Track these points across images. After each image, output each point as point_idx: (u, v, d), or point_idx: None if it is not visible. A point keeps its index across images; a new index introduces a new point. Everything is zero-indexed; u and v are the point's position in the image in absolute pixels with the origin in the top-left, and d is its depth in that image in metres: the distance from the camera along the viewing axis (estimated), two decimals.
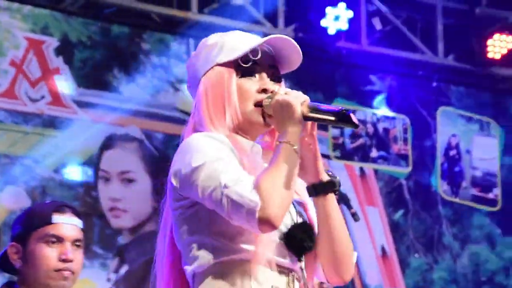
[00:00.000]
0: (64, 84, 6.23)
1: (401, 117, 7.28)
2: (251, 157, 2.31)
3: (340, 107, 2.22)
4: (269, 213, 2.16)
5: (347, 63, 7.15)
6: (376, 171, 7.08)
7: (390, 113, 7.25)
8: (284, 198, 2.18)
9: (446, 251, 7.17)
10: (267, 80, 2.34)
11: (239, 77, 2.34)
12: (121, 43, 6.50)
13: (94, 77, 6.37)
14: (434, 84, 7.42)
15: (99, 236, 6.22)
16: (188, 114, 6.88)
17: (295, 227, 2.28)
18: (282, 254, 2.28)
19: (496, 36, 7.26)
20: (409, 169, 7.20)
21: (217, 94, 2.33)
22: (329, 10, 6.77)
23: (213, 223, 2.25)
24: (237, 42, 2.35)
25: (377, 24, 7.21)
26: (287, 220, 2.28)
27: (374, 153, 7.10)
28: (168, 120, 6.46)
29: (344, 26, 6.79)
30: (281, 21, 6.93)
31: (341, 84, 7.09)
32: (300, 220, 2.32)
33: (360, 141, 7.05)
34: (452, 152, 7.40)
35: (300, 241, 2.28)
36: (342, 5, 6.80)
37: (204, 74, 2.36)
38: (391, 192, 7.01)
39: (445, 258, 7.14)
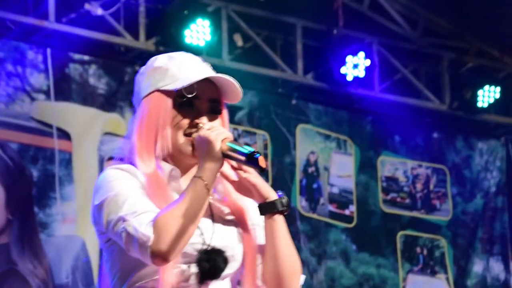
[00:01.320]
0: None
1: (261, 133, 7.32)
2: (163, 186, 2.36)
3: (252, 150, 2.28)
4: (161, 248, 2.21)
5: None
6: None
7: (251, 129, 7.28)
8: (181, 233, 2.23)
9: (303, 266, 7.22)
10: (204, 113, 2.39)
11: (177, 106, 2.39)
12: None
13: None
14: (294, 101, 7.51)
15: None
16: (44, 124, 6.69)
17: (201, 252, 2.34)
18: (186, 279, 2.33)
19: (352, 56, 7.41)
20: (269, 184, 7.23)
21: (152, 120, 2.38)
22: (190, 25, 6.74)
23: (123, 256, 2.33)
24: (180, 71, 2.39)
25: (238, 40, 7.25)
26: (197, 245, 2.33)
27: None
28: (24, 130, 6.27)
29: (205, 41, 6.78)
30: (142, 33, 6.85)
31: None
32: (219, 239, 2.37)
33: None
34: (311, 169, 7.49)
35: (201, 267, 2.33)
36: (204, 22, 6.79)
37: (145, 96, 2.41)
38: None
39: (302, 272, 7.19)
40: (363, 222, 7.58)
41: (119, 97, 6.77)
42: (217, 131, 2.32)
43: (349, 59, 7.38)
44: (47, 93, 6.46)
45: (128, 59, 6.87)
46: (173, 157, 2.39)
